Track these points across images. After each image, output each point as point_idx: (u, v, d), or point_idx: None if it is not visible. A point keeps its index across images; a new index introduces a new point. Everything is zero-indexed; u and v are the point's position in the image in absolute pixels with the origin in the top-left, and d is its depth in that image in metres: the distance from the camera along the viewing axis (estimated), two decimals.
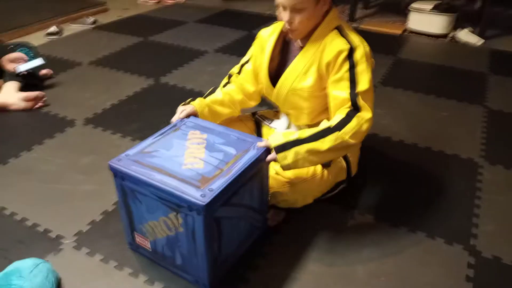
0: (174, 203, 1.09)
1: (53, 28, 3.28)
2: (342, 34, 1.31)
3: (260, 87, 1.52)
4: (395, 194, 1.63)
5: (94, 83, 2.48)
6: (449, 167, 1.79)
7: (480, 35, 3.27)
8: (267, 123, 1.60)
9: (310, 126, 1.43)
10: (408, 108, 2.26)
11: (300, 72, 1.36)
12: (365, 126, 1.25)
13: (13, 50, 2.35)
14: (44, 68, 2.41)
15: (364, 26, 3.55)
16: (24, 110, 2.16)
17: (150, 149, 1.22)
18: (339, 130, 1.23)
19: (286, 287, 1.24)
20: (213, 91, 1.53)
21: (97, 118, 2.11)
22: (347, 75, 1.28)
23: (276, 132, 1.51)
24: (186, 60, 2.82)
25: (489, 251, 1.37)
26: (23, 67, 2.24)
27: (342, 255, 1.34)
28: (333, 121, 1.25)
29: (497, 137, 2.00)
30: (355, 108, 1.26)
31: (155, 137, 1.28)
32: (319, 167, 1.40)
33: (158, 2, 4.26)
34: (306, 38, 1.35)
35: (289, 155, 1.22)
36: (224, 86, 1.54)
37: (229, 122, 1.54)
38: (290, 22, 1.27)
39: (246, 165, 1.17)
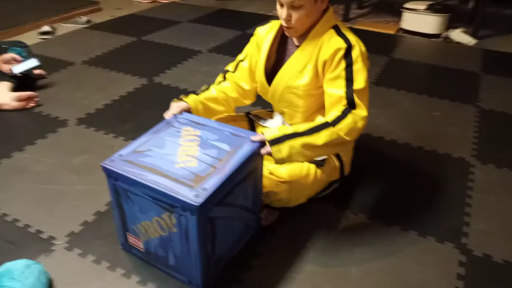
0: (167, 203, 1.09)
1: (46, 28, 3.26)
2: (339, 33, 1.32)
3: (256, 85, 1.53)
4: (388, 193, 1.63)
5: (87, 83, 2.47)
6: (441, 166, 1.80)
7: (473, 35, 3.29)
8: (261, 123, 1.61)
9: None
10: (401, 108, 2.27)
11: (297, 70, 1.37)
12: (360, 124, 1.26)
13: (5, 50, 2.33)
14: (38, 69, 2.40)
15: (358, 26, 3.56)
16: (16, 110, 2.14)
17: (143, 148, 1.22)
18: (334, 126, 1.23)
19: (280, 287, 1.24)
20: (207, 89, 1.52)
21: (90, 118, 2.11)
22: (343, 73, 1.28)
23: (272, 126, 1.52)
24: (180, 60, 2.81)
25: (480, 249, 1.38)
26: (18, 69, 2.22)
27: (336, 254, 1.35)
28: (329, 117, 1.26)
29: (488, 136, 2.02)
30: (350, 106, 1.27)
31: (148, 135, 1.27)
32: (312, 167, 1.40)
33: (153, 1, 4.25)
34: (303, 37, 1.36)
35: (284, 149, 1.21)
36: (218, 83, 1.54)
37: (222, 122, 1.54)
38: (287, 19, 1.28)
39: (240, 162, 1.16)
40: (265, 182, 1.36)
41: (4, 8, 3.70)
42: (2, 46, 2.39)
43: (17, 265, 1.16)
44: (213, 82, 1.57)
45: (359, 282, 1.26)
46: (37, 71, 2.43)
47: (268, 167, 1.42)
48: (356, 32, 1.36)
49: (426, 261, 1.33)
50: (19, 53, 2.35)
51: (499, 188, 1.67)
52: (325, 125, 1.24)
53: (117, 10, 3.95)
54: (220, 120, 1.55)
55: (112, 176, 1.16)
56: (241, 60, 1.54)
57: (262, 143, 1.24)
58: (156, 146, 1.22)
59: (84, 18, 3.54)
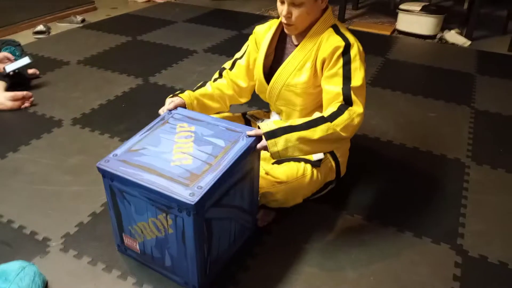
0: (163, 204, 1.08)
1: (40, 27, 3.24)
2: (338, 32, 1.34)
3: (252, 83, 1.53)
4: (384, 194, 1.64)
5: (82, 83, 2.45)
6: (436, 167, 1.81)
7: (468, 36, 3.31)
8: (258, 123, 1.61)
9: None
10: (397, 109, 2.28)
11: (295, 67, 1.37)
12: (356, 120, 1.26)
13: None
14: (31, 67, 2.38)
15: (353, 27, 3.57)
16: (10, 110, 2.13)
17: (138, 146, 1.20)
18: (331, 121, 1.23)
19: (276, 287, 1.24)
20: (203, 85, 1.52)
21: (85, 118, 2.09)
22: (341, 71, 1.29)
23: (268, 120, 1.52)
24: (175, 60, 2.80)
25: (475, 250, 1.38)
26: (10, 67, 2.21)
27: (332, 255, 1.35)
28: (325, 113, 1.26)
29: (483, 137, 2.03)
30: (347, 103, 1.27)
31: (143, 133, 1.26)
32: (309, 167, 1.40)
33: (148, 1, 4.23)
34: (302, 35, 1.37)
35: (280, 142, 1.20)
36: (214, 80, 1.54)
37: None
38: (287, 16, 1.28)
39: (235, 158, 1.15)
40: (262, 182, 1.36)
41: None
42: None
43: (12, 267, 1.16)
44: (209, 81, 1.56)
45: (355, 283, 1.26)
46: (31, 71, 2.42)
47: (265, 167, 1.42)
48: (352, 32, 1.37)
49: (422, 262, 1.33)
50: (12, 52, 2.34)
51: (494, 189, 1.68)
52: (322, 120, 1.24)
53: (113, 10, 3.94)
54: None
55: (108, 177, 1.16)
56: (238, 58, 1.54)
57: (258, 138, 1.23)
58: (151, 144, 1.21)
59: (79, 18, 3.52)
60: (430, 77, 2.71)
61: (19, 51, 2.40)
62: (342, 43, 1.30)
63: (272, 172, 1.39)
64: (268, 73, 1.46)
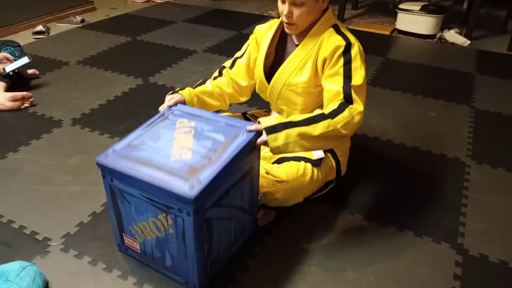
0: (163, 203, 1.08)
1: (40, 27, 3.24)
2: (339, 31, 1.34)
3: (253, 82, 1.53)
4: (384, 193, 1.64)
5: (82, 83, 2.45)
6: (436, 166, 1.81)
7: (467, 36, 3.31)
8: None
9: None
10: (397, 108, 2.28)
11: (296, 67, 1.37)
12: (357, 118, 1.26)
13: None
14: (30, 67, 2.38)
15: (352, 27, 3.57)
16: (10, 110, 2.13)
17: (137, 141, 1.19)
18: (332, 118, 1.23)
19: (276, 287, 1.24)
20: (203, 83, 1.52)
21: (85, 118, 2.09)
22: (341, 70, 1.29)
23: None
24: (175, 60, 2.80)
25: (476, 249, 1.38)
26: (9, 67, 2.21)
27: (332, 255, 1.35)
28: (326, 110, 1.26)
29: (483, 136, 2.03)
30: (347, 101, 1.27)
31: (143, 128, 1.25)
32: (309, 166, 1.40)
33: (147, 1, 4.23)
34: (302, 35, 1.37)
35: (280, 137, 1.20)
36: (214, 78, 1.54)
37: None
38: (288, 15, 1.28)
39: (236, 153, 1.13)
40: (262, 181, 1.36)
41: None
42: None
43: (12, 267, 1.15)
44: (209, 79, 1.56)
45: (355, 283, 1.26)
46: (30, 71, 2.42)
47: (265, 167, 1.42)
48: (351, 32, 1.37)
49: (423, 261, 1.33)
50: (12, 53, 2.33)
51: (494, 188, 1.68)
52: (322, 117, 1.24)
53: (112, 10, 3.94)
54: None
55: (107, 172, 1.15)
56: (239, 57, 1.54)
57: (258, 133, 1.22)
58: (150, 139, 1.20)
59: (78, 18, 3.52)
60: (430, 77, 2.71)
61: (18, 51, 2.39)
62: (343, 43, 1.30)
63: (272, 172, 1.39)
64: (269, 73, 1.47)
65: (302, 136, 1.21)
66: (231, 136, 1.20)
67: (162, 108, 1.36)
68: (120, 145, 1.18)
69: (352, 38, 1.32)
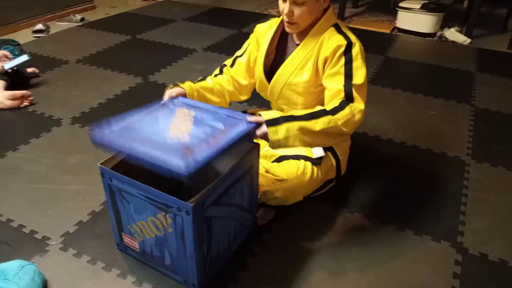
0: (162, 203, 1.08)
1: (40, 26, 3.24)
2: (340, 31, 1.34)
3: (253, 81, 1.52)
4: (384, 192, 1.64)
5: (82, 82, 2.45)
6: (436, 165, 1.80)
7: (467, 34, 3.30)
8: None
9: None
10: (397, 107, 2.27)
11: (297, 67, 1.37)
12: (357, 116, 1.25)
13: None
14: (29, 64, 2.38)
15: (353, 25, 3.57)
16: (10, 109, 2.12)
17: (135, 124, 1.18)
18: (333, 115, 1.22)
19: (276, 286, 1.23)
20: (203, 79, 1.52)
21: (84, 117, 2.09)
22: (342, 69, 1.29)
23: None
24: (175, 58, 2.80)
25: (476, 248, 1.38)
26: (8, 65, 2.20)
27: (332, 253, 1.35)
28: (327, 107, 1.26)
29: (484, 135, 2.03)
30: (348, 99, 1.27)
31: (141, 114, 1.23)
32: (309, 165, 1.40)
33: None
34: (303, 34, 1.36)
35: (281, 130, 1.18)
36: (215, 76, 1.54)
37: None
38: (289, 14, 1.28)
39: (235, 137, 1.11)
40: (261, 180, 1.36)
41: None
42: None
43: (11, 266, 1.15)
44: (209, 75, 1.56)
45: (355, 281, 1.26)
46: (30, 70, 2.41)
47: (265, 165, 1.41)
48: (351, 31, 1.37)
49: (423, 260, 1.33)
50: (11, 52, 2.33)
51: (494, 186, 1.68)
52: (324, 113, 1.23)
53: (112, 8, 3.93)
54: None
55: (97, 143, 1.12)
56: (239, 56, 1.54)
57: (259, 126, 1.20)
58: (148, 122, 1.19)
59: (78, 16, 3.52)
60: (430, 75, 2.70)
61: (18, 50, 2.39)
62: (344, 42, 1.30)
63: (272, 170, 1.39)
64: (269, 72, 1.46)
65: (302, 130, 1.20)
66: (231, 125, 1.18)
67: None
68: (118, 126, 1.16)
69: (353, 38, 1.32)
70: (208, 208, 1.11)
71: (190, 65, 2.72)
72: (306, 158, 1.41)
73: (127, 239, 1.26)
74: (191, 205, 1.02)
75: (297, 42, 1.40)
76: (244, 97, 1.58)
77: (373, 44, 3.13)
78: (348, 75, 1.28)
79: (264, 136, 1.19)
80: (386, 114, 2.19)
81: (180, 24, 3.52)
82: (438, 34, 3.36)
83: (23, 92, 2.16)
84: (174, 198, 1.05)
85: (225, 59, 1.60)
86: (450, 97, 2.37)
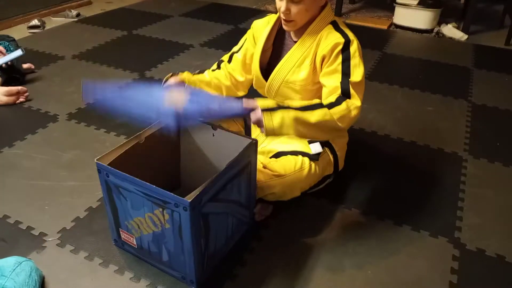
0: (160, 199, 1.07)
1: (35, 21, 3.21)
2: (338, 28, 1.33)
3: (250, 77, 1.52)
4: (381, 188, 1.64)
5: (78, 78, 2.43)
6: (434, 161, 1.81)
7: (464, 30, 3.30)
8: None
9: None
10: (394, 103, 2.27)
11: (294, 64, 1.36)
12: (353, 112, 1.25)
13: None
14: (23, 59, 2.35)
15: (350, 21, 3.56)
16: (5, 105, 2.11)
17: (129, 92, 1.21)
18: (329, 109, 1.22)
19: (274, 282, 1.23)
20: (200, 72, 1.51)
21: (81, 113, 2.08)
22: (340, 67, 1.28)
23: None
24: (172, 54, 2.79)
25: (473, 243, 1.39)
26: (2, 60, 2.19)
27: (329, 249, 1.35)
28: (324, 102, 1.25)
29: (481, 131, 2.03)
30: (345, 95, 1.26)
31: (137, 87, 1.28)
32: (306, 160, 1.39)
33: None
34: (300, 31, 1.35)
35: (276, 117, 1.16)
36: (212, 71, 1.53)
37: None
38: (286, 12, 1.27)
39: (228, 113, 1.17)
40: (259, 176, 1.35)
41: None
42: None
43: (8, 262, 1.14)
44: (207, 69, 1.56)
45: (353, 277, 1.26)
46: (26, 65, 2.40)
47: (262, 161, 1.41)
48: (348, 26, 1.36)
49: (420, 256, 1.34)
50: (6, 48, 2.31)
51: (491, 182, 1.68)
52: (320, 105, 1.23)
53: (108, 4, 3.91)
54: None
55: (89, 92, 1.16)
56: (236, 52, 1.53)
57: (254, 110, 1.18)
58: (143, 92, 1.22)
59: (74, 12, 3.49)
60: (427, 71, 2.71)
61: (13, 46, 2.37)
62: (342, 40, 1.29)
63: (269, 166, 1.38)
64: (266, 69, 1.45)
65: (298, 120, 1.19)
66: (226, 106, 1.19)
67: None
68: (110, 91, 1.20)
69: (351, 35, 1.31)
70: (206, 204, 1.10)
71: (186, 61, 2.71)
72: (304, 154, 1.40)
73: (124, 235, 1.26)
74: (189, 201, 1.02)
75: (295, 39, 1.39)
76: (241, 93, 1.57)
77: (371, 40, 3.12)
78: (346, 73, 1.28)
79: (258, 122, 1.17)
80: (383, 110, 2.19)
81: (176, 20, 3.50)
82: (435, 30, 3.35)
83: (19, 88, 2.14)
84: (172, 194, 1.04)
85: (222, 55, 1.59)
86: (447, 93, 2.38)
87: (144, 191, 1.10)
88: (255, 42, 1.48)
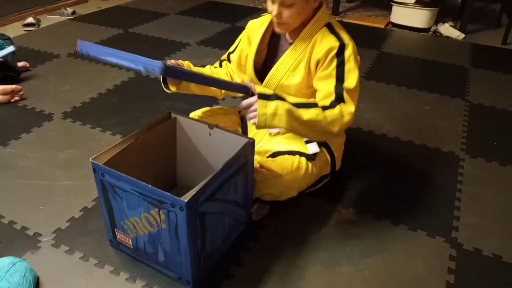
0: (156, 199, 1.06)
1: (30, 19, 3.19)
2: (333, 31, 1.31)
3: (246, 78, 1.51)
4: (378, 187, 1.63)
5: (73, 76, 2.42)
6: (431, 160, 1.80)
7: (461, 29, 3.30)
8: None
9: None
10: (391, 102, 2.27)
11: (289, 68, 1.35)
12: (346, 118, 1.25)
13: None
14: (18, 57, 2.34)
15: (347, 20, 3.56)
16: (0, 104, 2.09)
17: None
18: (323, 110, 1.22)
19: (271, 282, 1.23)
20: (201, 66, 1.50)
21: (76, 112, 2.06)
22: (334, 72, 1.27)
23: None
24: (168, 52, 2.77)
25: (470, 243, 1.38)
26: None
27: (327, 249, 1.34)
28: (318, 104, 1.25)
29: (477, 130, 2.03)
30: (339, 100, 1.25)
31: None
32: (303, 160, 1.39)
33: None
34: (295, 33, 1.34)
35: (270, 106, 1.16)
36: (214, 67, 1.53)
37: (212, 115, 1.52)
38: (278, 16, 1.25)
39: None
40: (256, 175, 1.35)
41: None
42: None
43: (2, 263, 1.13)
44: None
45: (350, 276, 1.25)
46: (21, 64, 2.38)
47: (259, 160, 1.40)
48: (345, 25, 1.35)
49: (417, 255, 1.33)
50: (1, 45, 2.29)
51: (488, 182, 1.68)
52: (314, 105, 1.23)
53: (103, 2, 3.88)
54: (211, 111, 1.53)
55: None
56: (231, 52, 1.52)
57: (250, 94, 1.19)
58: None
59: (69, 10, 3.47)
60: (425, 70, 2.70)
61: (8, 44, 2.35)
62: (337, 44, 1.27)
63: (266, 165, 1.38)
64: (261, 70, 1.44)
65: (290, 114, 1.18)
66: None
67: None
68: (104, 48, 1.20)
69: (346, 38, 1.29)
70: (202, 204, 1.09)
71: (183, 59, 2.66)
72: (301, 154, 1.40)
73: (120, 236, 1.25)
74: (185, 201, 1.01)
75: (290, 41, 1.37)
76: (239, 93, 1.56)
77: (368, 39, 3.12)
78: (340, 78, 1.27)
79: (251, 106, 1.18)
80: (381, 109, 2.18)
81: (173, 18, 3.48)
82: (433, 29, 3.35)
83: (14, 86, 2.12)
84: (168, 194, 1.03)
85: (219, 53, 1.59)
86: (444, 92, 2.37)
87: (140, 191, 1.09)
88: (249, 42, 1.46)
